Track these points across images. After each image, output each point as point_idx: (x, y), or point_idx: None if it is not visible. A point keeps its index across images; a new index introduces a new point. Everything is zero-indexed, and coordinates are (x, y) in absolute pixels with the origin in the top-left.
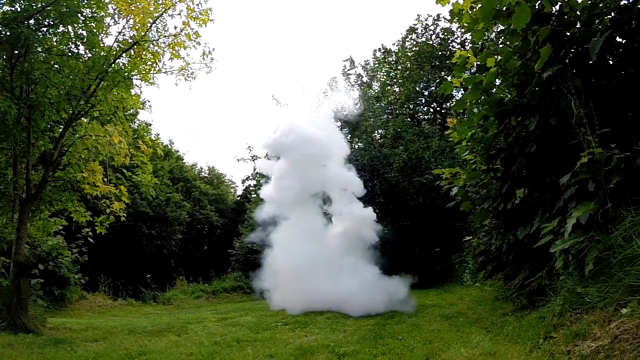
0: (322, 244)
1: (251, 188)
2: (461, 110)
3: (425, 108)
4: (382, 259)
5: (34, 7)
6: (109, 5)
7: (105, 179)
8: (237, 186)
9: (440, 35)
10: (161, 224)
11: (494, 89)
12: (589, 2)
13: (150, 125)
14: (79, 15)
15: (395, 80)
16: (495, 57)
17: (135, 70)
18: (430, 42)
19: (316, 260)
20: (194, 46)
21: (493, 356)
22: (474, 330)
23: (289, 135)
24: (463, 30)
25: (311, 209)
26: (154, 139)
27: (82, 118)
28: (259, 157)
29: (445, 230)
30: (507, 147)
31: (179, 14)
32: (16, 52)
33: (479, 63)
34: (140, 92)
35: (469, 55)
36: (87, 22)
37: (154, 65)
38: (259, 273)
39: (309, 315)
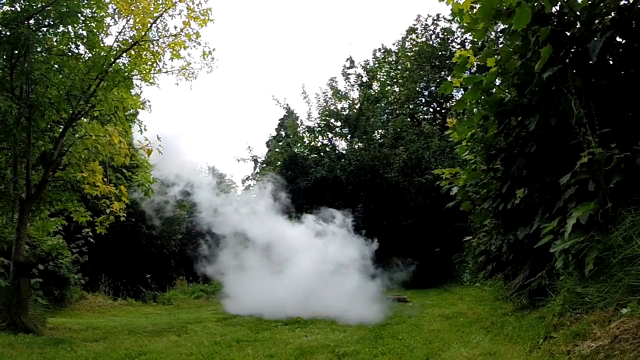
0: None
1: (251, 188)
2: (461, 110)
3: (425, 108)
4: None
5: (34, 7)
6: (109, 5)
7: (105, 179)
8: (237, 186)
9: (440, 35)
10: (161, 224)
11: (494, 89)
12: (589, 2)
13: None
14: (79, 15)
15: (395, 80)
16: (495, 57)
17: (136, 70)
18: (430, 42)
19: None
20: (194, 46)
21: (493, 356)
22: (474, 330)
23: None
24: (463, 30)
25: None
26: None
27: (82, 118)
28: (259, 158)
29: (445, 230)
30: (507, 147)
31: (179, 14)
32: (16, 52)
33: (479, 63)
34: (141, 92)
35: (469, 55)
36: (87, 22)
37: (154, 65)
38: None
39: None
